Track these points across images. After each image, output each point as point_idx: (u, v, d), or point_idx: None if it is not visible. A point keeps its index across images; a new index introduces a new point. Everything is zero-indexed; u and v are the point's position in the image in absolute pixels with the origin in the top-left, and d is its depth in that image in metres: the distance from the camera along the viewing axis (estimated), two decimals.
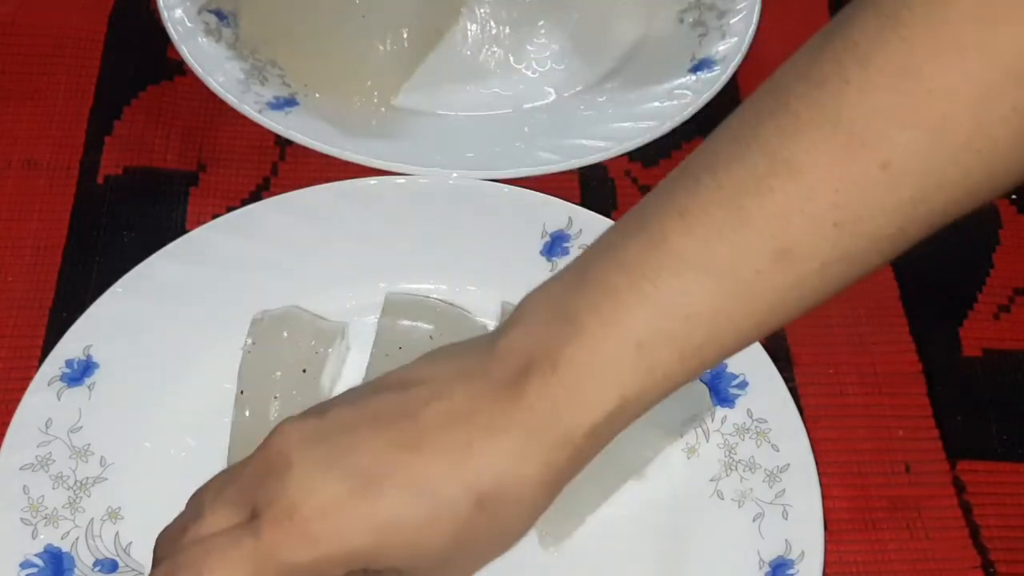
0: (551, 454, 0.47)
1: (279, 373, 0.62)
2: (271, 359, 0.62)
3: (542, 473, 0.47)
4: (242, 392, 0.61)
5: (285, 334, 0.63)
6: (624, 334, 0.47)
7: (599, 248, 0.50)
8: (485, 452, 0.46)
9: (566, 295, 0.49)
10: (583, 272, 0.49)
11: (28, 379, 0.63)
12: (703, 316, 0.47)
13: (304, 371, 0.62)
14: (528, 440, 0.47)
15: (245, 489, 0.48)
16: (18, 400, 0.62)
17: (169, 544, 0.49)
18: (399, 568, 0.47)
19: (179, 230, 0.71)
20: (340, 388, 0.65)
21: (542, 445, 0.47)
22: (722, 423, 0.64)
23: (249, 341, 0.62)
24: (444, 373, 0.49)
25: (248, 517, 0.47)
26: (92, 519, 0.59)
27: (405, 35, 0.78)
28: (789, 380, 0.66)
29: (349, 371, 0.66)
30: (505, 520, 0.48)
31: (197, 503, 0.49)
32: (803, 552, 0.59)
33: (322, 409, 0.49)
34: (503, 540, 0.49)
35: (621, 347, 0.47)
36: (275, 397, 0.61)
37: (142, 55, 0.80)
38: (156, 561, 0.49)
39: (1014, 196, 0.77)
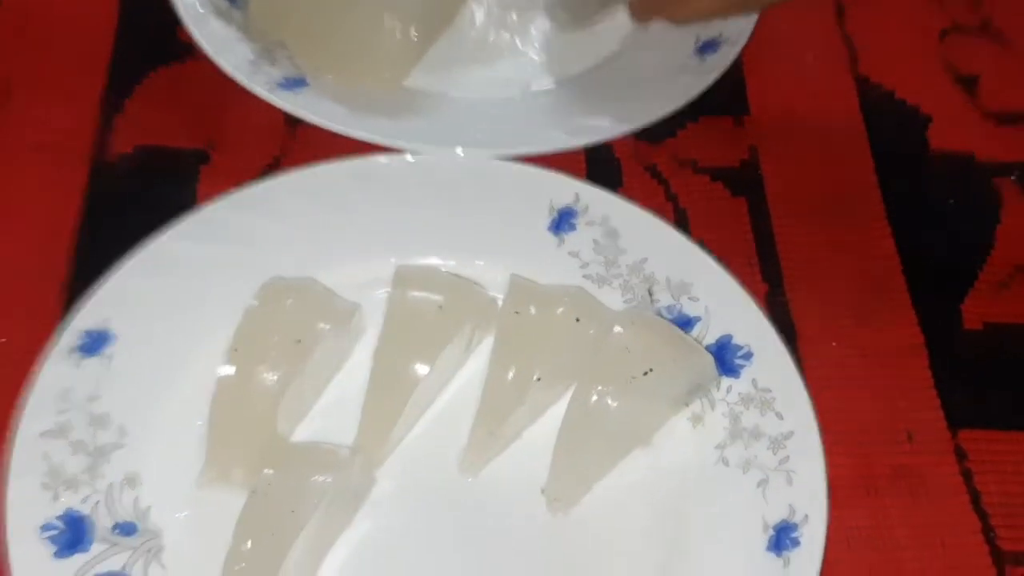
0: None
1: (275, 338, 0.63)
2: (269, 323, 0.63)
3: None
4: (235, 349, 0.62)
5: (289, 302, 0.64)
6: None
7: None
8: None
9: None
10: None
11: (44, 351, 0.64)
12: None
13: (298, 342, 0.63)
14: None
15: None
16: (35, 370, 0.63)
17: None
18: None
19: (190, 207, 0.71)
20: (350, 366, 0.66)
21: None
22: (727, 393, 0.65)
23: (254, 302, 0.63)
24: None
25: None
26: (111, 484, 0.60)
27: (414, 20, 0.79)
28: (793, 352, 0.66)
29: (361, 349, 0.67)
30: None
31: None
32: (807, 516, 0.61)
33: None
34: None
35: None
36: (264, 360, 0.62)
37: (153, 37, 0.81)
38: None
39: (1015, 175, 0.78)
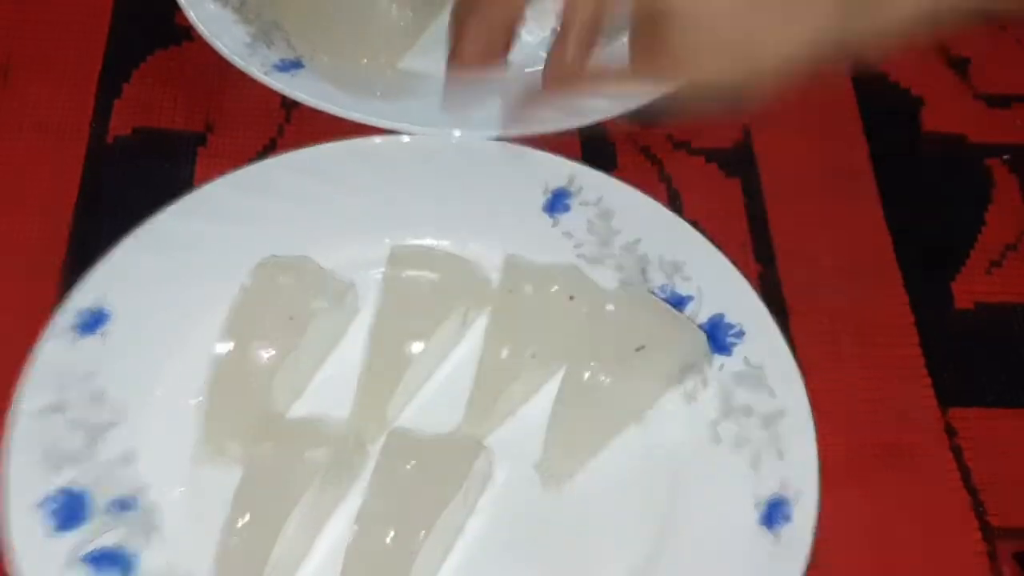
0: None
1: (269, 315, 0.63)
2: (263, 301, 0.64)
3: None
4: (230, 327, 0.63)
5: (284, 280, 0.64)
6: None
7: None
8: None
9: None
10: None
11: (42, 330, 0.64)
12: None
13: (292, 319, 0.63)
14: None
15: None
16: (33, 349, 0.63)
17: None
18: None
19: (187, 188, 0.72)
20: (345, 345, 0.67)
21: None
22: (720, 370, 0.66)
23: (248, 280, 0.64)
24: None
25: None
26: (108, 461, 0.61)
27: (409, 2, 0.79)
28: (785, 331, 0.67)
29: (356, 329, 0.67)
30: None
31: None
32: (798, 492, 0.61)
33: None
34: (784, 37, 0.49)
35: None
36: (258, 337, 0.62)
37: (150, 21, 0.81)
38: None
39: (1006, 156, 0.78)
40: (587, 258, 0.69)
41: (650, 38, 0.51)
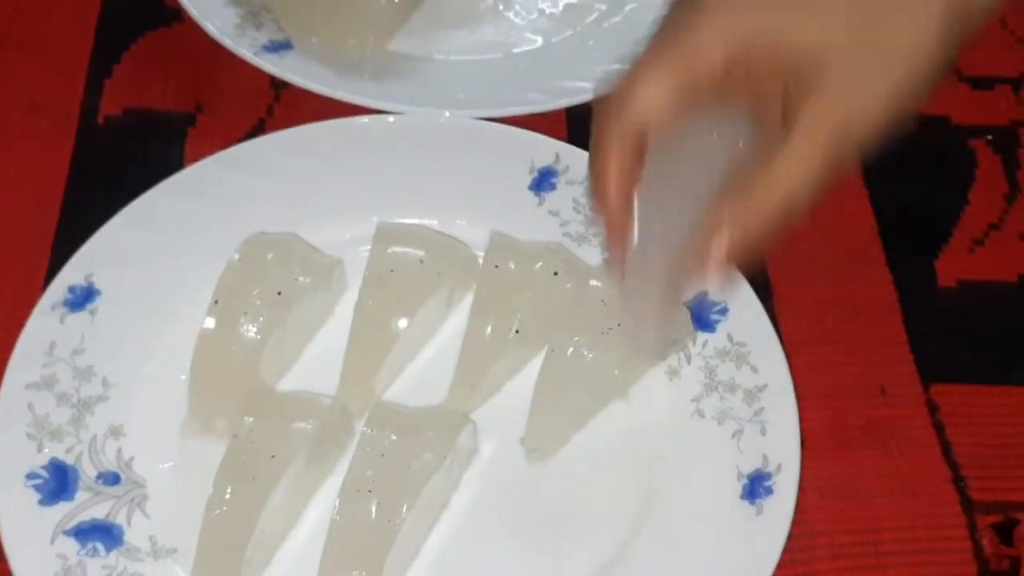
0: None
1: (255, 290, 0.64)
2: (251, 276, 0.64)
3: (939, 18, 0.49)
4: (216, 302, 0.63)
5: (270, 255, 0.65)
6: None
7: None
8: None
9: None
10: None
11: (32, 307, 0.65)
12: None
13: (279, 293, 0.64)
14: None
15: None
16: (23, 326, 0.64)
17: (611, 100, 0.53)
18: (801, 56, 0.49)
19: (177, 168, 0.72)
20: (332, 322, 0.67)
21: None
22: (703, 347, 0.66)
23: (235, 256, 0.65)
24: None
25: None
26: (95, 435, 0.61)
27: None
28: (769, 309, 0.68)
29: (343, 306, 0.68)
30: (900, 34, 0.49)
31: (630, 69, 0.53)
32: (780, 465, 0.62)
33: None
34: (894, 53, 0.50)
35: None
36: (245, 312, 0.63)
37: (140, 2, 0.82)
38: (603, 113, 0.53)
39: (990, 137, 0.79)
40: (573, 236, 0.70)
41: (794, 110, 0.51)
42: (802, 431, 0.63)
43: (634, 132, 0.52)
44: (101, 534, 0.59)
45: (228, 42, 0.75)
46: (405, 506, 0.57)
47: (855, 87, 0.50)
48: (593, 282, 0.65)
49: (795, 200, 0.50)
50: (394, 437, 0.59)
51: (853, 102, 0.50)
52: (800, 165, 0.50)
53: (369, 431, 0.60)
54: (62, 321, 0.64)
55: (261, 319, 0.62)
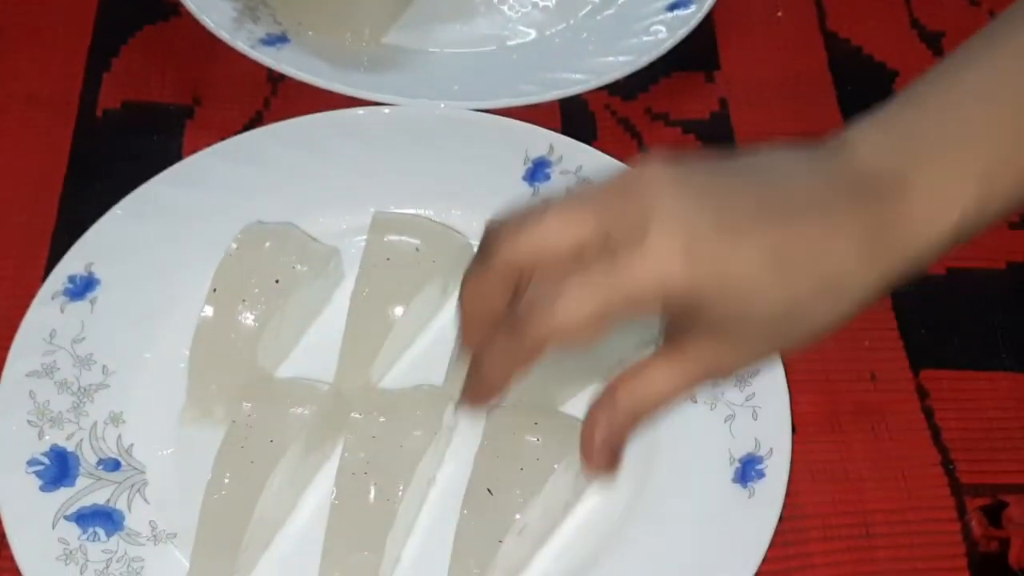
0: (888, 264, 0.48)
1: (253, 279, 0.64)
2: (248, 264, 0.65)
3: (876, 280, 0.48)
4: (214, 290, 0.64)
5: (268, 244, 0.66)
6: (971, 160, 0.49)
7: (932, 82, 0.51)
8: (838, 247, 0.47)
9: (909, 124, 0.50)
10: (920, 103, 0.51)
11: (32, 297, 0.66)
12: None
13: (277, 281, 0.65)
14: (872, 245, 0.48)
15: (598, 209, 0.47)
16: (23, 315, 0.65)
17: (503, 229, 0.48)
18: (722, 320, 0.47)
19: (176, 160, 0.73)
20: (329, 311, 0.68)
21: (883, 253, 0.48)
22: None
23: (233, 245, 0.65)
24: (797, 166, 0.50)
25: (594, 235, 0.46)
26: (95, 422, 0.62)
27: None
28: None
29: (340, 294, 0.69)
30: (830, 308, 0.48)
31: (541, 204, 0.48)
32: (771, 449, 0.62)
33: (680, 159, 0.48)
34: (818, 325, 0.49)
35: (967, 173, 0.48)
36: (243, 300, 0.64)
37: None
38: (485, 244, 0.48)
39: None
40: None
41: (680, 334, 0.51)
42: (793, 416, 0.64)
43: (523, 262, 0.48)
44: (102, 519, 0.59)
45: (225, 36, 0.76)
46: (402, 485, 0.58)
47: (746, 349, 0.50)
48: None
49: (642, 415, 0.50)
50: (383, 419, 0.60)
51: (739, 358, 0.50)
52: (661, 387, 0.50)
53: (358, 416, 0.60)
54: (62, 310, 0.65)
55: (259, 307, 0.63)
